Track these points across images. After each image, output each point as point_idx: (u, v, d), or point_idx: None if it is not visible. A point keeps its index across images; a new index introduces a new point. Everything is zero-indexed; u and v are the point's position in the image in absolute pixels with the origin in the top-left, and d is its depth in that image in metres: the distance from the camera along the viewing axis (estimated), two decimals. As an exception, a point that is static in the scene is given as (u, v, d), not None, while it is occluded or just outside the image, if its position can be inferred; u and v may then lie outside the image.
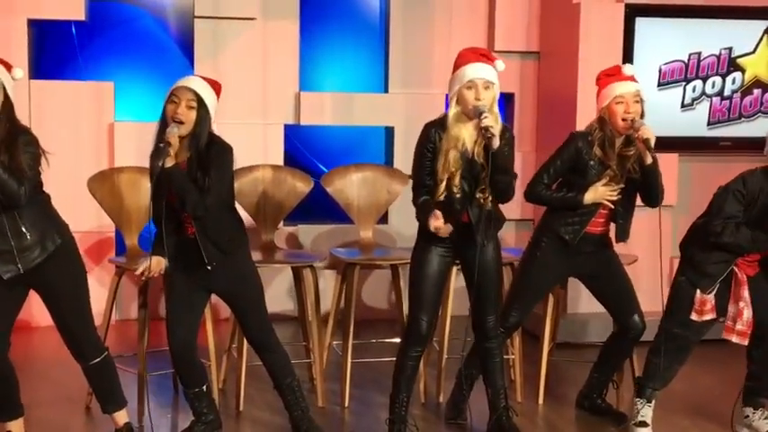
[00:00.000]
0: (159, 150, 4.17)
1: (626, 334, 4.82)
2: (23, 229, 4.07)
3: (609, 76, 4.69)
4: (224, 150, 4.29)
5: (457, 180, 4.27)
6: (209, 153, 4.24)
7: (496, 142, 4.17)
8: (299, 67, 6.90)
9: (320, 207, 6.54)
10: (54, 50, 6.79)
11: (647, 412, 4.75)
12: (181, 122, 4.20)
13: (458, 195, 4.28)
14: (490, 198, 4.30)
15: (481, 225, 4.31)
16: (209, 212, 4.22)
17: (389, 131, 7.10)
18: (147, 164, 5.33)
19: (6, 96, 4.15)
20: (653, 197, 4.67)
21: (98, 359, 4.33)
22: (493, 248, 4.42)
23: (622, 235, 4.77)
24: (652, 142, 4.47)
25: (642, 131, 4.49)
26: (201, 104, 4.24)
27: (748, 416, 4.80)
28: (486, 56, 4.32)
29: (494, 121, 4.18)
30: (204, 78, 4.36)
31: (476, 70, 4.25)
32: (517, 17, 6.98)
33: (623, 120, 4.57)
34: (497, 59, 4.33)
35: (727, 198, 4.51)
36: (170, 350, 4.44)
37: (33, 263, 4.10)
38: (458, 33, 6.98)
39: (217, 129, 4.34)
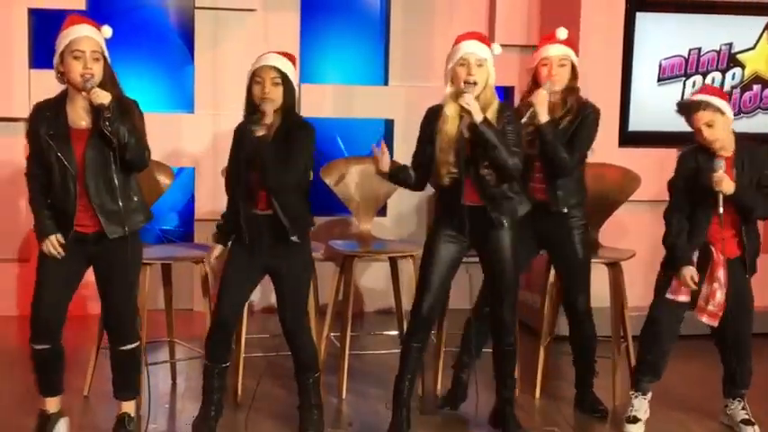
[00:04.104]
0: (252, 120, 4.21)
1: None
2: (131, 193, 4.16)
3: (544, 39, 4.73)
4: (309, 130, 4.34)
5: (451, 158, 4.26)
6: (294, 130, 4.28)
7: (477, 118, 4.14)
8: (300, 59, 6.89)
9: (319, 199, 6.52)
10: (54, 40, 6.77)
11: (640, 405, 4.75)
12: (272, 100, 4.22)
13: (453, 175, 4.25)
14: (494, 177, 4.24)
15: (494, 203, 4.27)
16: (288, 189, 4.27)
17: (389, 124, 7.10)
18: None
19: (106, 59, 4.16)
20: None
21: (132, 345, 4.34)
22: (509, 235, 4.34)
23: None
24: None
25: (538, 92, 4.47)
26: (286, 80, 4.27)
27: (727, 405, 4.86)
28: (482, 38, 4.34)
29: (474, 102, 4.16)
30: (280, 53, 4.37)
31: (469, 47, 4.26)
32: (517, 10, 6.98)
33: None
34: (493, 44, 4.35)
35: (671, 191, 4.65)
36: (214, 318, 4.43)
37: (137, 226, 4.18)
38: (458, 26, 6.93)
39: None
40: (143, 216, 4.26)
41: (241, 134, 4.30)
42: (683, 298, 4.60)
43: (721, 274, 4.54)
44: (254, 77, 4.28)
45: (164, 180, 5.27)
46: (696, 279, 4.53)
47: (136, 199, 4.21)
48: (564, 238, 4.80)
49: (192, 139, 6.78)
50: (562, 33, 4.64)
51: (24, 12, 6.47)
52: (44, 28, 6.70)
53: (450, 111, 4.28)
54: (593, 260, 5.14)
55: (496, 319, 4.47)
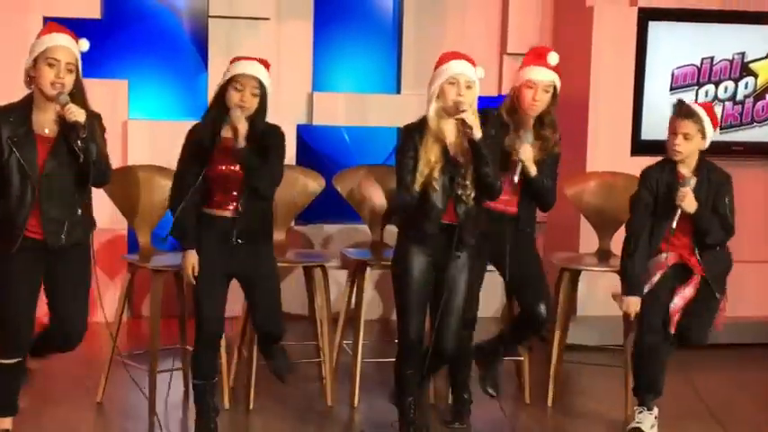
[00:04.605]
0: (210, 127, 4.27)
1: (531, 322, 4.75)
2: (78, 206, 4.15)
3: (533, 56, 4.67)
4: (281, 137, 4.37)
5: (437, 174, 4.24)
6: (267, 138, 4.30)
7: (477, 134, 4.16)
8: (313, 68, 6.92)
9: (332, 207, 6.56)
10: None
11: (644, 418, 4.73)
12: (247, 109, 4.25)
13: (437, 191, 4.24)
14: (472, 195, 4.26)
15: (468, 224, 4.27)
16: (273, 194, 4.33)
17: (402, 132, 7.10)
18: (160, 162, 5.39)
19: (78, 73, 4.15)
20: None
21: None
22: (466, 260, 4.35)
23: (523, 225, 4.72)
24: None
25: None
26: (264, 91, 4.31)
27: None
28: (469, 60, 4.34)
29: (473, 116, 4.17)
30: (260, 60, 4.41)
31: (460, 67, 4.26)
32: (530, 19, 6.99)
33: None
34: (479, 67, 4.35)
35: (632, 208, 4.72)
36: (201, 336, 4.38)
37: (74, 239, 4.13)
38: (471, 35, 6.99)
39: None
40: (82, 231, 4.19)
41: (201, 136, 4.33)
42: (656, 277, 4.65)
43: (688, 290, 4.62)
44: (234, 83, 4.28)
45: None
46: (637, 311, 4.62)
47: (80, 213, 4.16)
48: (529, 251, 4.75)
49: (205, 146, 6.79)
50: (553, 59, 4.60)
51: (39, 19, 6.49)
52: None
53: (443, 128, 4.26)
54: (604, 269, 5.14)
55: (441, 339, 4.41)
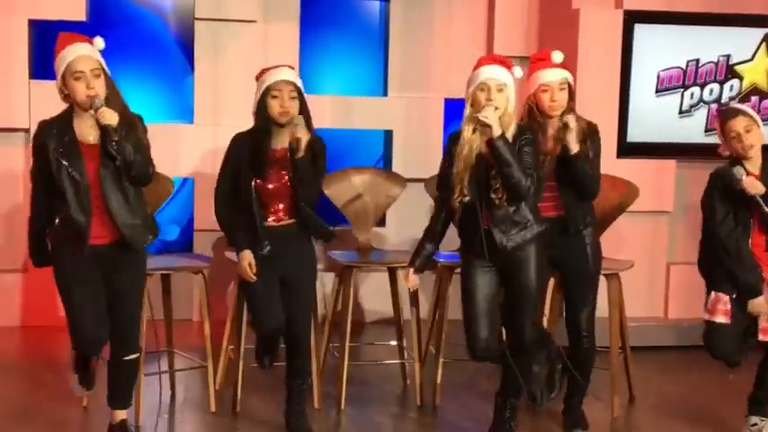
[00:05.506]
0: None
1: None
2: (142, 207, 4.24)
3: (537, 61, 4.67)
4: (324, 147, 4.50)
5: (465, 182, 4.26)
6: (318, 148, 4.44)
7: (496, 131, 4.14)
8: (299, 70, 6.89)
9: (318, 210, 6.53)
10: (54, 50, 6.79)
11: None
12: (290, 114, 4.36)
13: (467, 198, 4.26)
14: (505, 198, 4.23)
15: (502, 227, 4.26)
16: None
17: (388, 135, 7.11)
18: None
19: (106, 72, 4.18)
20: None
21: (136, 355, 4.38)
22: (525, 257, 4.31)
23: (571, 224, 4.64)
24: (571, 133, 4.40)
25: (568, 119, 4.43)
26: (301, 93, 4.41)
27: (756, 423, 4.75)
28: (503, 62, 4.37)
29: (493, 115, 4.17)
30: (289, 66, 4.52)
31: (489, 72, 4.29)
32: (516, 22, 7.00)
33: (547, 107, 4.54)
34: (515, 66, 4.37)
35: (712, 201, 4.58)
36: (263, 336, 4.56)
37: (150, 240, 4.27)
38: (457, 38, 7.00)
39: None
40: (153, 230, 4.30)
41: (249, 148, 4.43)
42: (721, 319, 4.57)
43: None
44: (270, 91, 4.36)
45: (164, 190, 5.28)
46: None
47: (144, 213, 4.25)
48: (579, 255, 4.68)
49: (191, 149, 6.79)
50: (558, 57, 4.59)
51: (24, 23, 6.49)
52: (44, 39, 6.72)
53: (468, 133, 4.28)
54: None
55: (517, 338, 4.42)
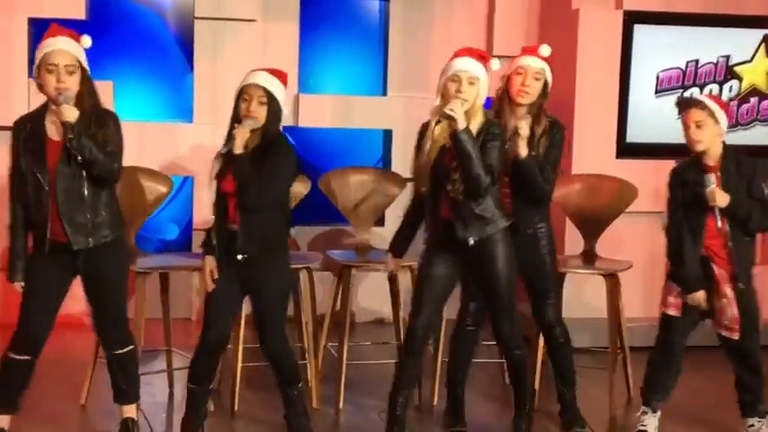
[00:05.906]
0: (226, 143, 4.26)
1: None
2: (99, 206, 4.16)
3: (525, 49, 4.67)
4: (288, 149, 4.33)
5: (427, 171, 4.25)
6: (274, 149, 4.27)
7: (461, 124, 4.08)
8: (299, 70, 6.92)
9: (317, 209, 6.55)
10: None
11: (650, 422, 4.73)
12: (254, 119, 4.24)
13: (423, 189, 4.27)
14: (461, 191, 4.16)
15: (464, 220, 4.21)
16: (264, 207, 4.24)
17: (388, 134, 7.11)
18: (145, 163, 5.40)
19: (84, 69, 4.16)
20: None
21: (128, 348, 4.37)
22: (489, 251, 4.28)
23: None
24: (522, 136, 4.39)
25: (520, 125, 4.39)
26: (272, 99, 4.28)
27: (753, 425, 4.74)
28: (479, 55, 4.30)
29: (460, 108, 4.11)
30: (270, 71, 4.37)
31: (463, 64, 4.25)
32: (516, 22, 7.00)
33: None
34: (493, 59, 4.33)
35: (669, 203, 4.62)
36: (203, 344, 4.37)
37: (102, 240, 4.17)
38: (457, 37, 6.97)
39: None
40: (109, 230, 4.21)
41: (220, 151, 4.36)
42: (672, 311, 4.60)
43: (728, 289, 4.52)
44: (242, 94, 4.28)
45: (162, 189, 5.28)
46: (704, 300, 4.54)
47: (104, 213, 4.19)
48: (534, 252, 4.63)
49: (190, 148, 6.79)
50: (545, 50, 4.58)
51: (24, 21, 6.48)
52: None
53: (434, 123, 4.25)
54: (590, 271, 5.14)
55: (496, 334, 4.45)
